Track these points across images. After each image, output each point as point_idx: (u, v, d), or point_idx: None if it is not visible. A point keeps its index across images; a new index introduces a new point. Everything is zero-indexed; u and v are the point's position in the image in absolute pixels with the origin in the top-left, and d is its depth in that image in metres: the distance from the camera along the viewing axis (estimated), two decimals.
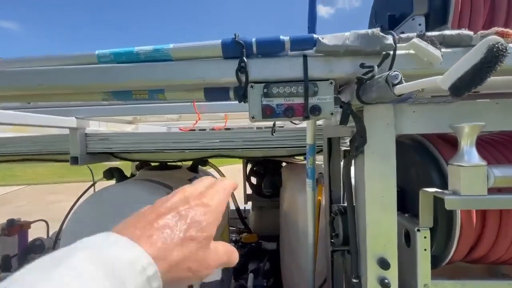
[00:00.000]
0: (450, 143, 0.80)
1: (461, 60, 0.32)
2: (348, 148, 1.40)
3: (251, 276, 1.66)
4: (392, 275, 0.74)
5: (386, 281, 0.74)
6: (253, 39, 0.58)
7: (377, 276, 0.76)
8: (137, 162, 2.47)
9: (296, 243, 1.49)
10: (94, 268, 0.23)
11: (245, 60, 0.57)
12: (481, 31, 0.54)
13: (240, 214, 2.38)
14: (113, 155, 1.68)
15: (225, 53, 0.60)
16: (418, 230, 0.75)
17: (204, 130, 1.64)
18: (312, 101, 0.59)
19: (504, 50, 0.29)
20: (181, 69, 0.61)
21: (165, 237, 0.28)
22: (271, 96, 0.59)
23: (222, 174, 2.29)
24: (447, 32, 0.57)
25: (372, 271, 0.76)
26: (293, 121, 0.67)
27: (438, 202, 0.74)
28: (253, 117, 0.59)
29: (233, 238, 2.84)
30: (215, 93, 0.68)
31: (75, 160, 1.37)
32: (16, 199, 7.57)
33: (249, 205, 2.84)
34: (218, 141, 1.38)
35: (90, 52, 0.63)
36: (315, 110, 0.59)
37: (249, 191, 2.68)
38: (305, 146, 1.14)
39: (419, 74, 0.60)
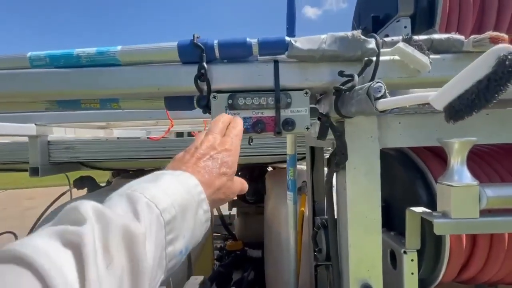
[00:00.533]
0: (440, 156, 0.74)
1: (460, 74, 0.25)
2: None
3: None
4: None
5: None
6: (215, 41, 0.50)
7: None
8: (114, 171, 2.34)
9: (279, 254, 1.42)
10: (178, 185, 0.35)
11: (205, 66, 0.48)
12: (474, 36, 0.48)
13: (223, 221, 2.29)
14: (83, 164, 1.55)
15: (182, 58, 0.51)
16: (405, 252, 0.69)
17: (182, 134, 1.54)
18: (285, 113, 0.51)
19: None
20: (130, 76, 0.51)
21: (208, 172, 0.39)
22: (237, 108, 0.51)
23: None
24: (435, 36, 0.50)
25: None
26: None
27: (426, 222, 0.68)
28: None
29: (218, 245, 2.75)
30: (177, 102, 0.59)
31: (34, 171, 1.24)
32: None
33: (234, 211, 2.75)
34: None
35: (21, 53, 0.53)
36: (288, 125, 0.51)
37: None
38: (285, 154, 1.06)
39: (405, 83, 0.53)
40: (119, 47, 0.51)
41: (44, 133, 1.28)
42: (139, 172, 1.95)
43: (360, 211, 0.66)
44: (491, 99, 0.23)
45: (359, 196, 0.66)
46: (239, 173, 2.56)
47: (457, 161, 0.55)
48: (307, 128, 0.52)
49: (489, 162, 0.72)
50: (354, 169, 0.65)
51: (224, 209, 2.57)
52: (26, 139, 1.27)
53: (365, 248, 0.67)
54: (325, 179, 0.80)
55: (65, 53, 0.51)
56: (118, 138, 1.86)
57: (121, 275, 0.26)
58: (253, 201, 2.13)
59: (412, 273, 0.68)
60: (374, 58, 0.48)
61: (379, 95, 0.37)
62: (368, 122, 0.64)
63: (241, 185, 0.47)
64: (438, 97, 0.27)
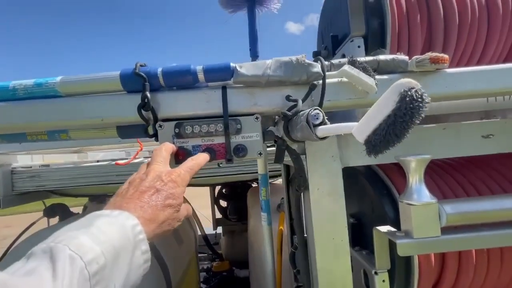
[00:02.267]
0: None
1: (373, 107, 0.24)
2: None
3: None
4: None
5: None
6: (159, 70, 0.48)
7: None
8: None
9: (262, 274, 1.37)
10: (113, 229, 0.34)
11: (148, 95, 0.47)
12: (416, 56, 0.48)
13: (208, 242, 2.21)
14: (52, 192, 1.48)
15: (126, 87, 0.49)
16: (376, 273, 0.67)
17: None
18: (236, 140, 0.50)
19: (419, 98, 0.20)
20: (71, 108, 0.49)
21: (152, 206, 0.38)
22: (185, 137, 0.49)
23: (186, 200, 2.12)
24: (381, 57, 0.51)
25: None
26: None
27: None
28: None
29: (205, 266, 2.64)
30: (129, 130, 0.57)
31: None
32: None
33: (220, 229, 2.67)
34: None
35: None
36: (239, 151, 0.49)
37: (218, 215, 2.53)
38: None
39: (356, 104, 0.53)
40: (58, 78, 0.49)
41: (7, 162, 1.22)
42: None
43: (327, 233, 0.65)
44: (401, 135, 0.22)
45: (324, 217, 0.64)
46: (223, 190, 2.51)
47: (415, 179, 0.55)
48: (260, 154, 0.50)
49: (453, 174, 0.72)
50: (317, 190, 0.64)
51: (209, 229, 2.50)
52: None
53: (334, 271, 0.65)
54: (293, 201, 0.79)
55: (1, 85, 0.48)
56: (98, 161, 1.80)
57: None
58: (235, 220, 2.08)
59: None
60: (319, 82, 0.48)
61: (317, 122, 0.36)
62: (328, 141, 0.63)
63: (186, 211, 0.48)
64: (358, 130, 0.26)
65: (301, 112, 0.42)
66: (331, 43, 0.79)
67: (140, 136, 0.57)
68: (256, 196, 1.74)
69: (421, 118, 0.21)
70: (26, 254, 0.31)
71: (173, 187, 0.41)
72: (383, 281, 0.66)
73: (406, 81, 0.21)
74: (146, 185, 0.40)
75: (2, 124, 0.50)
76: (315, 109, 0.36)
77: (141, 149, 1.32)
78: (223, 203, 2.48)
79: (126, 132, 0.57)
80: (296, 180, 0.57)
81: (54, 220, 1.66)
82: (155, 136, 0.51)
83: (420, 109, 0.20)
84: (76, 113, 0.49)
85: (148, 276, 1.20)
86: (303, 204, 0.73)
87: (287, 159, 0.62)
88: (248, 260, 2.31)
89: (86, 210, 1.84)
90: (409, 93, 0.20)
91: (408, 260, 0.66)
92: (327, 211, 0.64)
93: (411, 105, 0.20)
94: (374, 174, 0.77)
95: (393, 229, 0.62)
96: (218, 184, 2.46)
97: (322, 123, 0.36)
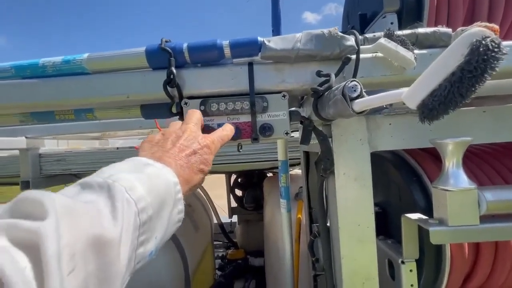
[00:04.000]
0: (437, 157, 0.70)
1: (431, 66, 0.21)
2: None
3: None
4: None
5: None
6: (184, 45, 0.47)
7: None
8: None
9: (277, 263, 1.37)
10: (159, 181, 0.33)
11: (174, 71, 0.46)
12: (462, 28, 0.44)
13: (223, 230, 2.24)
14: (76, 176, 1.53)
15: (151, 63, 0.48)
16: (403, 262, 0.64)
17: None
18: (262, 118, 0.48)
19: (496, 48, 0.18)
20: (98, 84, 0.49)
21: (189, 167, 0.38)
22: (211, 114, 0.48)
23: (203, 189, 2.15)
24: (421, 30, 0.47)
25: None
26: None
27: (423, 229, 0.63)
28: None
29: (220, 254, 2.69)
30: (152, 110, 0.57)
31: (26, 185, 1.22)
32: None
33: (235, 218, 2.70)
34: None
35: None
36: (266, 130, 0.47)
37: (233, 203, 2.55)
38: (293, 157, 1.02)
39: (390, 82, 0.50)
40: (85, 55, 0.49)
41: (35, 146, 1.27)
42: None
43: (352, 220, 0.62)
44: (467, 94, 0.19)
45: (350, 203, 0.62)
46: (239, 180, 2.52)
47: (452, 163, 0.51)
48: (287, 133, 0.48)
49: (490, 162, 0.67)
50: (343, 174, 0.62)
51: (224, 217, 2.53)
52: (17, 152, 1.26)
53: (359, 259, 0.63)
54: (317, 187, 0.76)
55: (30, 63, 0.49)
56: (117, 148, 1.85)
57: (85, 281, 0.23)
58: (252, 208, 2.08)
59: (412, 285, 0.63)
60: (353, 56, 0.45)
61: (354, 95, 0.34)
62: (356, 124, 0.61)
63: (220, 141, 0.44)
64: (410, 94, 0.24)
65: (335, 87, 0.39)
66: (359, 23, 0.75)
67: (163, 116, 0.57)
68: (273, 184, 1.73)
69: (494, 72, 0.18)
70: (78, 183, 0.30)
71: (207, 152, 0.40)
72: (411, 270, 0.63)
73: (478, 30, 0.18)
74: (184, 144, 0.39)
75: (32, 102, 0.50)
76: (352, 80, 0.34)
77: None
78: (239, 192, 2.50)
79: (150, 111, 0.57)
80: (322, 164, 0.55)
81: None
82: (180, 114, 0.50)
83: (496, 61, 0.17)
84: (103, 90, 0.49)
85: (167, 260, 1.23)
86: (326, 190, 0.70)
87: (313, 142, 0.60)
88: (262, 249, 2.33)
89: None
90: (483, 42, 0.17)
91: (439, 249, 0.62)
92: (353, 197, 0.62)
93: (485, 57, 0.17)
94: (402, 160, 0.73)
95: (423, 216, 0.58)
96: (234, 173, 2.47)
97: (360, 96, 0.33)
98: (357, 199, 0.62)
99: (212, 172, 1.56)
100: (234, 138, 0.47)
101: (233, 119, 0.48)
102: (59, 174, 1.37)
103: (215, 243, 2.49)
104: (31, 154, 1.24)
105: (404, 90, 0.25)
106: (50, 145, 1.37)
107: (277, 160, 1.25)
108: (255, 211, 2.28)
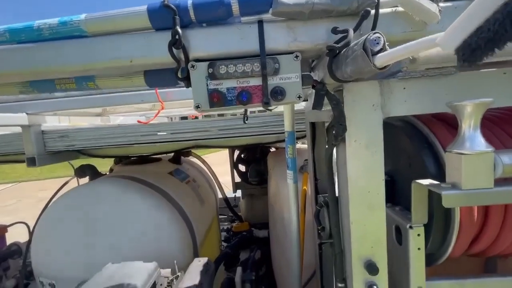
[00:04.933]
0: (449, 124, 0.68)
1: (471, 6, 0.19)
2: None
3: (239, 269, 1.58)
4: (382, 280, 0.65)
5: (375, 287, 0.64)
6: (189, 2, 0.43)
7: (365, 280, 0.66)
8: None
9: (283, 236, 1.41)
10: None
11: (179, 30, 0.43)
12: None
13: (228, 204, 2.29)
14: (80, 153, 1.53)
15: (154, 23, 0.45)
16: (411, 227, 0.65)
17: (186, 118, 1.50)
18: (274, 81, 0.46)
19: None
20: (98, 47, 0.46)
21: None
22: (219, 78, 0.45)
23: (207, 165, 2.17)
24: None
25: (358, 275, 0.66)
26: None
27: (433, 195, 0.63)
28: (197, 107, 0.46)
29: (225, 227, 2.78)
30: (157, 77, 0.54)
31: (32, 161, 1.22)
32: (4, 198, 7.39)
33: (239, 193, 2.75)
34: (191, 132, 1.24)
35: None
36: (278, 94, 0.45)
37: (237, 179, 2.58)
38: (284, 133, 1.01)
39: (411, 39, 0.46)
40: (83, 16, 0.46)
41: (37, 122, 1.25)
42: (140, 159, 1.94)
43: (362, 186, 0.62)
44: None
45: (361, 170, 0.61)
46: (242, 155, 2.53)
47: (469, 126, 0.49)
48: (299, 97, 0.46)
49: (504, 128, 0.66)
50: (354, 141, 0.60)
51: (229, 192, 2.57)
52: (14, 129, 1.25)
53: (368, 224, 0.64)
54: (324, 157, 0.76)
55: (25, 26, 0.46)
56: (119, 125, 1.84)
57: None
58: (255, 183, 2.11)
59: (419, 248, 0.65)
60: (372, 11, 0.41)
61: (377, 48, 0.31)
62: (369, 88, 0.58)
63: None
64: (447, 38, 0.21)
65: (353, 43, 0.36)
66: None
67: (169, 83, 0.54)
68: (277, 159, 1.74)
69: None
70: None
71: None
72: (418, 235, 0.64)
73: None
74: None
75: (30, 68, 0.48)
76: (375, 33, 0.31)
77: (163, 108, 1.32)
78: (242, 168, 2.52)
79: (154, 78, 0.55)
80: (334, 130, 0.54)
81: (83, 181, 1.75)
82: (187, 79, 0.48)
83: None
84: (104, 53, 0.46)
85: (176, 232, 1.25)
86: (336, 158, 0.70)
87: (320, 111, 0.58)
88: (266, 221, 2.39)
89: (112, 172, 1.92)
90: None
91: (448, 214, 0.63)
92: (364, 164, 0.61)
93: None
94: (412, 127, 0.72)
95: (435, 182, 0.58)
96: (237, 148, 2.48)
97: (382, 49, 0.31)
98: (368, 166, 0.61)
99: (216, 146, 1.55)
100: (244, 102, 0.45)
101: (243, 83, 0.46)
102: (64, 151, 1.37)
103: (220, 217, 2.56)
104: (34, 131, 1.23)
105: (438, 35, 0.23)
106: (51, 122, 1.35)
107: (281, 133, 1.24)
108: (259, 185, 2.31)
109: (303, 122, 1.17)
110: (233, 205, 2.63)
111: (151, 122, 1.22)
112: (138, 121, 1.17)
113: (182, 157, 2.12)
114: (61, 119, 1.40)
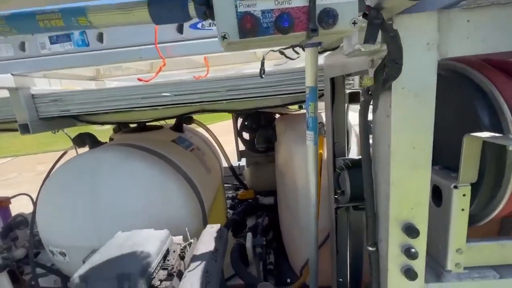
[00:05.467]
0: (506, 71, 0.58)
1: None
2: (356, 90, 1.18)
3: (249, 235, 1.57)
4: (420, 243, 0.60)
5: (413, 250, 0.59)
6: None
7: (401, 244, 0.61)
8: (115, 126, 2.23)
9: (294, 202, 1.37)
10: None
11: None
12: None
13: (234, 172, 2.25)
14: (76, 119, 1.43)
15: None
16: (456, 187, 0.59)
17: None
18: (323, 1, 0.35)
19: None
20: None
21: None
22: None
23: (211, 132, 2.08)
24: None
25: (394, 239, 0.61)
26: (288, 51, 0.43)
27: (486, 149, 0.56)
28: (224, 37, 0.35)
29: (230, 195, 2.78)
30: (165, 10, 0.43)
31: (25, 129, 1.12)
32: (4, 172, 7.37)
33: (243, 162, 2.70)
34: (197, 93, 1.13)
35: None
36: (329, 17, 0.35)
37: (242, 147, 2.51)
38: (302, 92, 0.91)
39: None
40: None
41: (25, 85, 1.13)
42: (140, 127, 1.84)
43: (407, 141, 0.54)
44: None
45: (407, 122, 0.53)
46: (246, 122, 2.44)
47: None
48: (354, 23, 0.36)
49: None
50: (402, 89, 0.51)
51: (233, 161, 2.52)
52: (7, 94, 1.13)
53: (410, 184, 0.57)
54: (356, 114, 0.66)
55: None
56: (117, 87, 1.71)
57: None
58: (263, 150, 2.04)
59: (463, 209, 0.59)
60: None
61: None
62: (425, 22, 0.47)
63: None
64: None
65: None
66: None
67: (178, 18, 0.43)
68: (287, 122, 1.65)
69: None
70: None
71: None
72: (464, 195, 0.58)
73: None
74: None
75: None
76: None
77: (164, 65, 1.19)
78: (246, 136, 2.44)
79: (161, 12, 0.43)
80: (385, 71, 0.44)
81: (82, 151, 1.67)
82: (202, 12, 0.37)
83: None
84: None
85: (184, 199, 1.18)
86: (374, 112, 0.61)
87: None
88: (271, 189, 2.37)
89: (112, 141, 1.83)
90: None
91: (500, 172, 0.56)
92: (411, 115, 0.52)
93: None
94: (459, 75, 0.62)
95: (496, 134, 0.50)
96: (240, 116, 2.37)
97: None
98: (416, 118, 0.52)
99: (224, 110, 1.45)
100: (284, 30, 0.35)
101: (282, 3, 0.35)
102: (58, 117, 1.27)
103: (224, 185, 2.54)
104: (23, 95, 1.11)
105: None
106: (42, 85, 1.23)
107: (287, 94, 1.13)
108: (264, 153, 2.25)
109: (320, 80, 1.06)
110: (238, 174, 2.60)
111: (152, 80, 1.11)
112: (139, 79, 1.05)
113: (184, 125, 2.02)
114: (52, 83, 1.27)
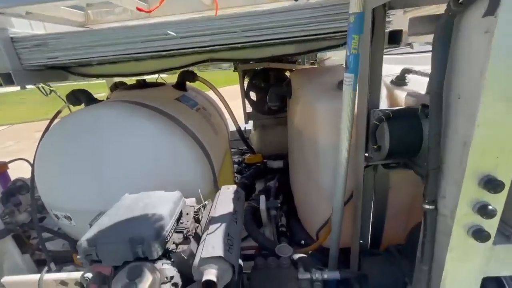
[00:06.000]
0: None
1: None
2: (397, 29, 1.00)
3: (262, 197, 1.50)
4: (500, 200, 0.49)
5: (490, 207, 0.49)
6: None
7: (473, 201, 0.50)
8: (111, 85, 2.05)
9: (313, 160, 1.26)
10: None
11: None
12: None
13: (242, 135, 2.12)
14: (67, 71, 1.26)
15: None
16: None
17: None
18: None
19: None
20: None
21: None
22: None
23: (217, 91, 1.91)
24: None
25: (467, 195, 0.50)
26: None
27: None
28: None
29: (236, 160, 2.69)
30: None
31: (7, 79, 0.96)
32: (2, 140, 7.24)
33: (249, 125, 2.57)
34: (208, 34, 0.95)
35: None
36: None
37: (249, 109, 2.36)
38: (336, 30, 0.74)
39: None
40: None
41: (1, 25, 0.94)
42: (140, 84, 1.67)
43: (505, 75, 0.40)
44: None
45: (509, 45, 0.38)
46: (253, 82, 2.26)
47: None
48: None
49: None
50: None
51: (240, 123, 2.38)
52: None
53: (503, 126, 0.44)
54: (436, 39, 0.51)
55: None
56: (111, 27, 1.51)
57: None
58: (275, 108, 1.89)
59: None
60: None
61: None
62: None
63: None
64: None
65: None
66: None
67: None
68: (304, 76, 1.48)
69: None
70: None
71: None
72: None
73: None
74: None
75: None
76: None
77: None
78: (254, 96, 2.27)
79: None
80: None
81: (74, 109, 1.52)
82: None
83: None
84: None
85: (194, 160, 1.06)
86: (457, 38, 0.46)
87: None
88: (279, 153, 2.27)
89: (110, 99, 1.67)
90: None
91: None
92: None
93: None
94: None
95: None
96: (247, 75, 2.18)
97: None
98: None
99: (233, 60, 1.28)
100: None
101: None
102: (47, 69, 1.10)
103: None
104: (2, 38, 0.93)
105: None
106: (22, 28, 1.04)
107: (326, 34, 0.94)
108: (274, 114, 2.11)
109: (344, 19, 0.88)
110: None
111: (154, 19, 0.92)
112: (138, 8, 0.87)
113: (187, 83, 1.85)
114: (34, 26, 1.08)
